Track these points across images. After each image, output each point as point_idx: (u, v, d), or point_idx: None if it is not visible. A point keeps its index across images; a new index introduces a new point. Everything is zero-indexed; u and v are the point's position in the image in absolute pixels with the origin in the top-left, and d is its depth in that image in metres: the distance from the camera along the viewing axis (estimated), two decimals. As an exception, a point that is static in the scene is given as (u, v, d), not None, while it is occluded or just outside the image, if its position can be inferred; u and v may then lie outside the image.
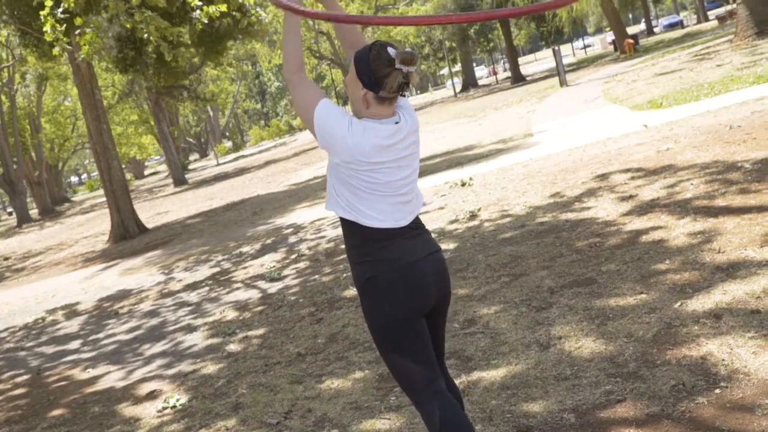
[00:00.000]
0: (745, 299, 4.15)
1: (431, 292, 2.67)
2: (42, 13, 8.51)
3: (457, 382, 4.11)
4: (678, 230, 5.79)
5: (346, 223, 2.69)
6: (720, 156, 8.00)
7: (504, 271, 5.97)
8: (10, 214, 55.06)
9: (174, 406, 4.98)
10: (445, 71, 61.72)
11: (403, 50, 2.53)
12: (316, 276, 7.75)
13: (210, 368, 5.65)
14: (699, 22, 55.16)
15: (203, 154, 77.33)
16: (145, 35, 8.93)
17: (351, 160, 2.56)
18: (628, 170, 8.62)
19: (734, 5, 31.81)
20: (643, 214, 6.58)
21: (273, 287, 7.87)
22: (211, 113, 69.04)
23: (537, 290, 5.27)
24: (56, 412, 5.56)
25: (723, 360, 3.53)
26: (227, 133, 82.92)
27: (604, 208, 7.16)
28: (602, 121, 13.77)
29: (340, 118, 2.57)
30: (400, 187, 2.65)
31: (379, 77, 2.54)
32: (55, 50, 8.93)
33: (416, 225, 2.72)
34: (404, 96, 2.68)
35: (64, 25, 8.75)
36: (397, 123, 2.63)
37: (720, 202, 6.28)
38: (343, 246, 8.92)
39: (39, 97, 44.14)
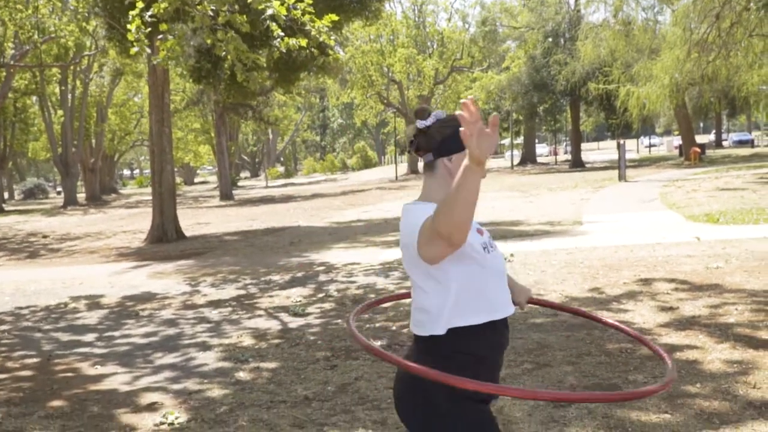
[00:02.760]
0: (773, 443, 3.96)
1: None
2: (131, 12, 8.72)
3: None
4: (715, 354, 5.60)
5: None
6: (770, 286, 7.77)
7: (528, 358, 5.82)
8: (58, 193, 56.27)
9: (172, 423, 4.91)
10: (506, 142, 61.91)
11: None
12: (339, 320, 7.67)
13: (215, 392, 5.57)
14: (770, 144, 54.59)
15: (254, 174, 78.33)
16: (223, 53, 9.08)
17: None
18: (673, 280, 8.43)
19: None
20: (682, 329, 6.38)
21: (294, 322, 7.81)
22: (270, 136, 70.10)
23: (559, 385, 5.12)
24: (56, 403, 5.52)
25: (740, 504, 3.35)
26: (281, 158, 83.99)
27: (642, 314, 6.98)
28: (655, 225, 13.56)
29: None
30: None
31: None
32: (133, 50, 9.12)
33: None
34: (409, 152, 2.62)
35: (149, 29, 8.95)
36: None
37: (763, 334, 6.07)
38: (371, 295, 8.87)
39: (111, 89, 45.36)
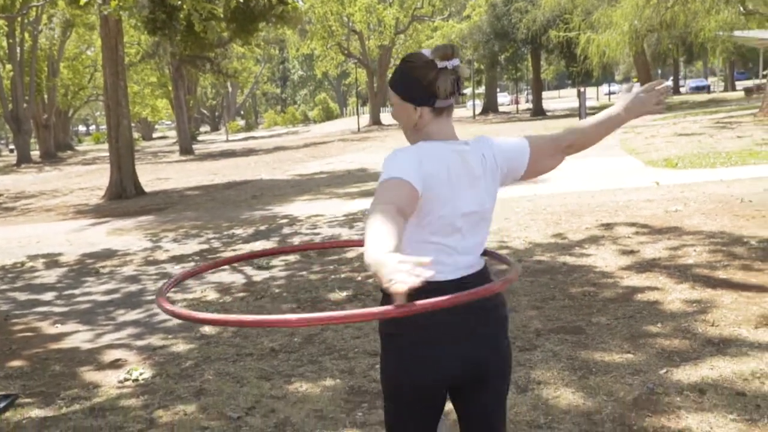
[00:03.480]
0: (732, 378, 4.05)
1: None
2: (80, -41, 8.40)
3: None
4: (674, 294, 5.69)
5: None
6: (727, 227, 7.90)
7: (493, 304, 5.84)
8: (11, 151, 54.93)
9: (136, 380, 4.86)
10: (467, 91, 61.73)
11: (436, 46, 2.21)
12: (304, 272, 7.64)
13: (180, 347, 5.53)
14: (726, 90, 55.30)
15: (214, 128, 77.26)
16: (178, 2, 8.82)
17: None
18: (633, 224, 8.53)
19: (763, 80, 31.84)
20: (642, 271, 6.47)
21: (259, 275, 7.76)
22: (230, 89, 69.00)
23: (524, 329, 5.16)
24: (16, 363, 5.43)
25: (701, 438, 3.42)
26: (242, 112, 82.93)
27: (603, 258, 7.06)
28: (615, 171, 13.69)
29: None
30: None
31: (428, 84, 2.18)
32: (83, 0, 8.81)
33: None
34: (463, 94, 2.35)
35: (100, -24, 8.64)
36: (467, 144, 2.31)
37: (721, 274, 6.18)
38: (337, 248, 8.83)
39: (62, 42, 44.09)
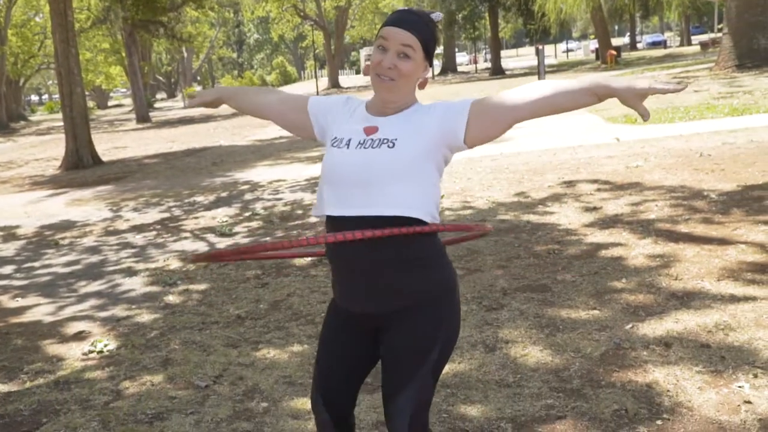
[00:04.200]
0: (696, 331, 4.11)
1: None
2: None
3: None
4: (638, 250, 5.75)
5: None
6: (687, 182, 8.00)
7: (458, 264, 5.85)
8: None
9: (101, 351, 4.78)
10: (426, 51, 61.32)
11: (435, 12, 2.30)
12: (268, 238, 7.57)
13: (145, 317, 5.45)
14: (682, 44, 55.76)
15: (171, 95, 75.93)
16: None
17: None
18: (595, 181, 8.58)
19: (718, 34, 32.14)
20: (605, 227, 6.53)
21: (222, 242, 7.67)
22: (185, 55, 67.69)
23: (490, 289, 5.18)
24: (-24, 339, 5.31)
25: (668, 391, 3.47)
26: (198, 78, 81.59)
27: (567, 216, 7.10)
28: (575, 128, 13.75)
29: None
30: None
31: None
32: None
33: None
34: None
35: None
36: None
37: (682, 228, 6.26)
38: (299, 211, 8.76)
39: (8, 8, 42.73)
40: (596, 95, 2.10)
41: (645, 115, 2.08)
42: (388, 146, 2.17)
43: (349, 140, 2.22)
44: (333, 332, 2.36)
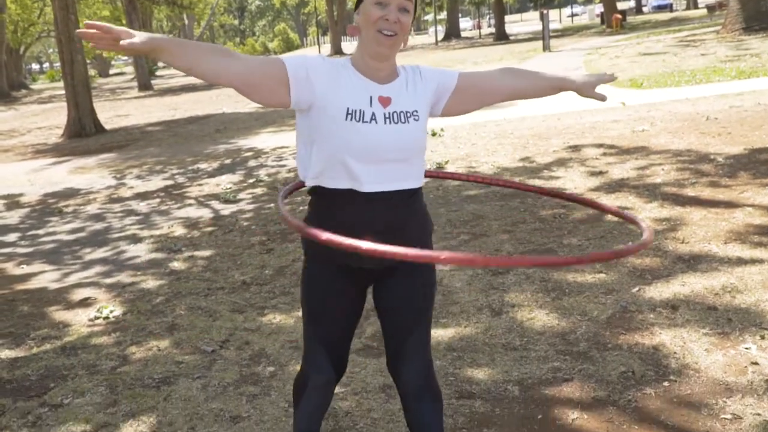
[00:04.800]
0: (703, 294, 4.09)
1: None
2: None
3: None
4: (644, 213, 5.72)
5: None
6: (694, 145, 7.94)
7: (464, 229, 5.84)
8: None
9: (107, 317, 4.79)
10: (429, 17, 60.89)
11: None
12: (272, 204, 7.54)
13: (150, 283, 5.45)
14: (688, 8, 55.12)
15: (173, 63, 75.43)
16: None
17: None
18: (601, 145, 8.53)
19: (726, -3, 31.71)
20: (611, 192, 6.49)
21: (226, 209, 7.65)
22: (186, 22, 67.17)
23: (495, 253, 5.16)
24: (-18, 306, 5.32)
25: (675, 353, 3.46)
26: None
27: (572, 180, 7.06)
28: (580, 92, 13.62)
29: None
30: None
31: None
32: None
33: None
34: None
35: None
36: None
37: (689, 191, 6.22)
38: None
39: (8, -25, 42.31)
40: (560, 89, 2.43)
41: (603, 98, 2.45)
42: (414, 119, 2.20)
43: (373, 114, 2.15)
44: (329, 291, 2.33)
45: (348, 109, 2.13)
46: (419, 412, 2.34)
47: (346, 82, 2.17)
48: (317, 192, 2.24)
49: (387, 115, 2.16)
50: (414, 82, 2.25)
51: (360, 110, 2.14)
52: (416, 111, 2.21)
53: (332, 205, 2.21)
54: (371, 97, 2.17)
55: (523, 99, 2.46)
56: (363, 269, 2.28)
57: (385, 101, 2.18)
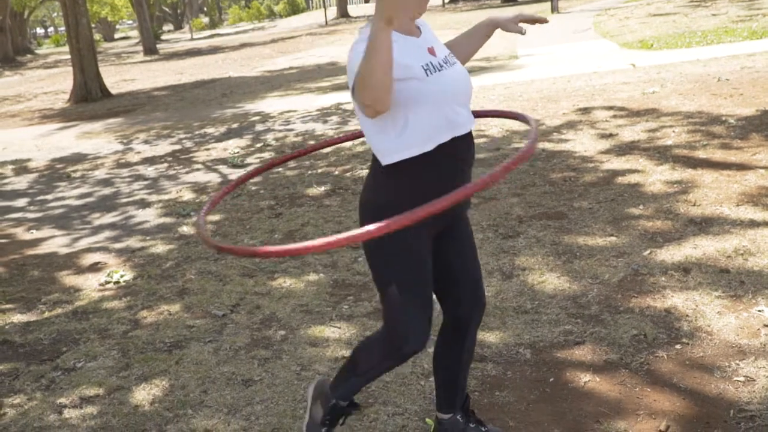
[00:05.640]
0: (715, 257, 4.07)
1: None
2: None
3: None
4: (655, 176, 5.67)
5: None
6: (705, 107, 7.85)
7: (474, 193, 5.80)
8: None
9: (117, 282, 4.80)
10: (436, -22, 59.92)
11: None
12: (280, 169, 7.52)
13: (159, 248, 5.45)
14: (699, -32, 54.25)
15: (178, 27, 74.91)
16: None
17: None
18: (611, 108, 8.44)
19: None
20: (622, 154, 6.43)
21: (234, 173, 7.63)
22: (191, -15, 66.49)
23: (506, 217, 5.14)
24: (-7, 271, 5.34)
25: (687, 316, 3.45)
26: (205, 9, 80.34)
27: (582, 143, 7.00)
28: (590, 54, 13.47)
29: None
30: None
31: None
32: None
33: None
34: None
35: None
36: None
37: (700, 154, 6.16)
38: (311, 141, 8.69)
39: (10, -62, 41.88)
40: (487, 35, 2.61)
41: (522, 31, 2.57)
42: (455, 63, 2.34)
43: (438, 63, 2.25)
44: (423, 254, 2.33)
45: (422, 66, 2.21)
46: (473, 338, 2.56)
47: (401, 46, 2.18)
48: (408, 163, 2.20)
49: (444, 60, 2.29)
50: (430, 31, 2.40)
51: (430, 63, 2.23)
52: (450, 54, 2.36)
53: (430, 165, 2.21)
54: (426, 50, 2.27)
55: (471, 57, 2.66)
56: (441, 221, 2.33)
57: (432, 51, 2.29)
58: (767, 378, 2.88)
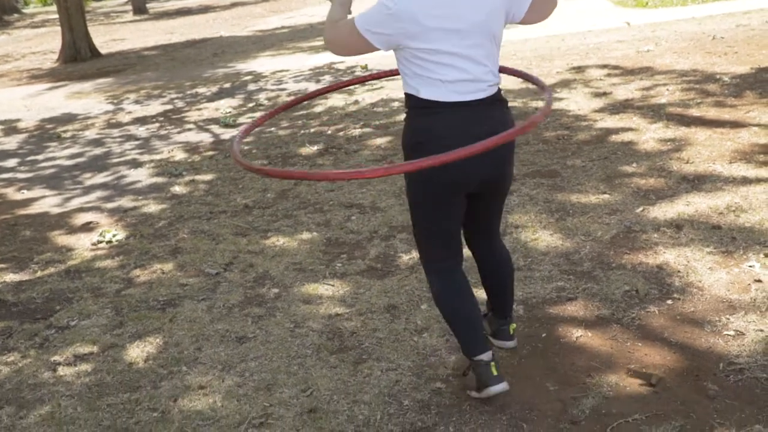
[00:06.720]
0: (707, 213, 4.08)
1: None
2: None
3: (405, 258, 4.01)
4: (648, 134, 5.66)
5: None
6: (699, 65, 7.80)
7: (467, 151, 5.77)
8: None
9: (110, 241, 4.79)
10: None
11: None
12: (273, 128, 7.47)
13: (152, 207, 5.43)
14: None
15: (167, -15, 73.84)
16: None
17: None
18: (605, 66, 8.39)
19: None
20: (616, 113, 6.41)
21: (226, 133, 7.58)
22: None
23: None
24: (-15, 231, 5.32)
25: (678, 271, 3.47)
26: (194, -33, 79.07)
27: (576, 102, 6.97)
28: (584, 12, 13.35)
29: None
30: None
31: None
32: None
33: None
34: None
35: None
36: None
37: (694, 112, 6.14)
38: (306, 102, 8.62)
39: None
40: None
41: None
42: None
43: None
44: (452, 206, 2.61)
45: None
46: (507, 270, 2.94)
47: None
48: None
49: None
50: None
51: None
52: None
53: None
54: None
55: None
56: (473, 184, 2.61)
57: None
58: (756, 332, 2.91)
